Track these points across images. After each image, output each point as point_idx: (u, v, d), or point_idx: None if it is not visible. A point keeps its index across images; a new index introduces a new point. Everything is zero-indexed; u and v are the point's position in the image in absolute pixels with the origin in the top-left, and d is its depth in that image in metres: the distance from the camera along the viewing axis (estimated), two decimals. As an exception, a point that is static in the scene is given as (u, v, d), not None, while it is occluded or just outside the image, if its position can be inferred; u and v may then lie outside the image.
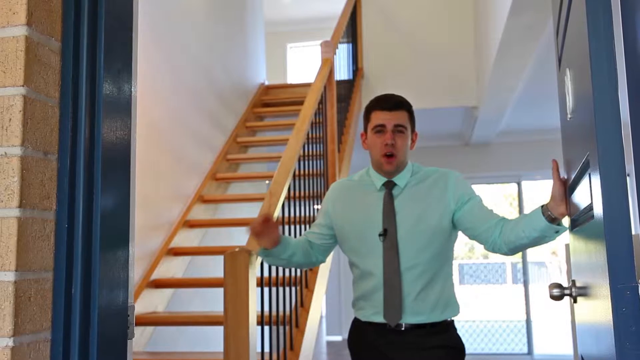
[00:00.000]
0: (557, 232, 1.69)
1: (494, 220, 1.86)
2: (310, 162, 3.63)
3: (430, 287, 1.91)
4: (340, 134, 4.65)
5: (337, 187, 2.12)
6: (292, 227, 3.17)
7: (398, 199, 1.96)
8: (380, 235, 1.92)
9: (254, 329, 2.19)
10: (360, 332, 2.01)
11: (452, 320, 1.99)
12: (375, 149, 1.98)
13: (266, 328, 2.71)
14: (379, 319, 1.93)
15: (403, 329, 1.91)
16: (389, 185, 1.99)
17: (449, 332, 1.95)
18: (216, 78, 4.98)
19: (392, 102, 1.98)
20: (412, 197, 1.97)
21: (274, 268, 2.84)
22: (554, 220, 1.66)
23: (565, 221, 1.67)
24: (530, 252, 7.32)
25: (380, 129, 1.96)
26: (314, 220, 2.19)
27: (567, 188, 1.57)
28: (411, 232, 1.91)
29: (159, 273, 3.68)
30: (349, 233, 2.00)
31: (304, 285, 3.37)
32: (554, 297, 1.38)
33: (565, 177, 1.59)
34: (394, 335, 1.92)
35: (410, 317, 1.90)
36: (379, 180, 2.00)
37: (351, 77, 5.56)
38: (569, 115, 1.36)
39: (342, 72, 5.09)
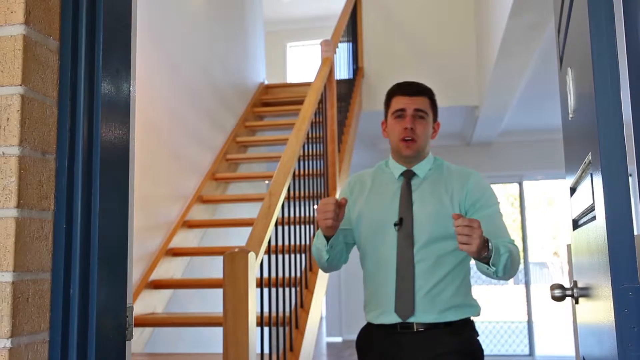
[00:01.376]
0: (489, 269, 1.69)
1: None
2: (310, 162, 3.62)
3: (444, 285, 1.82)
4: (341, 133, 4.64)
5: (354, 179, 2.03)
6: (292, 227, 3.16)
7: (416, 189, 1.90)
8: (395, 224, 1.85)
9: (254, 330, 2.18)
10: (369, 337, 1.91)
11: (471, 320, 1.88)
12: (394, 134, 1.92)
13: (266, 329, 2.70)
14: (389, 319, 1.83)
15: (415, 330, 1.80)
16: (408, 175, 1.93)
17: (464, 334, 1.84)
18: (215, 77, 4.98)
19: (414, 88, 1.94)
20: (430, 189, 1.90)
21: (273, 269, 2.83)
22: (483, 259, 1.67)
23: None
24: (531, 252, 7.31)
25: (400, 113, 1.91)
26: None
27: (473, 228, 1.58)
28: (427, 224, 1.84)
29: (158, 274, 3.68)
30: (364, 222, 1.92)
31: (304, 286, 3.36)
32: (556, 298, 1.37)
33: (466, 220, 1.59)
34: (405, 338, 1.81)
35: (421, 315, 1.80)
36: (398, 169, 1.95)
37: (351, 76, 5.56)
38: (570, 115, 1.36)
39: (342, 71, 5.08)
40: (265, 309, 2.68)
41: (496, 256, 1.69)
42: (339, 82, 4.71)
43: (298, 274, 3.31)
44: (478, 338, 1.90)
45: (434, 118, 1.96)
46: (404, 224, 1.84)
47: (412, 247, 1.83)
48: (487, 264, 1.69)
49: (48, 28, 1.06)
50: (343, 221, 1.91)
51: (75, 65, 1.08)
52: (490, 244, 1.67)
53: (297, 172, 3.27)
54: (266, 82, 6.46)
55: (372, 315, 1.89)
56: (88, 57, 1.09)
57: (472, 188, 1.88)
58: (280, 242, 2.94)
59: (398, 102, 1.92)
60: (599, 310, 1.05)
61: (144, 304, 3.48)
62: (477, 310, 1.89)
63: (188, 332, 3.89)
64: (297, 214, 3.27)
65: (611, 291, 0.92)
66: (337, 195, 2.04)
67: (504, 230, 1.85)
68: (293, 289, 3.11)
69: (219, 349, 3.53)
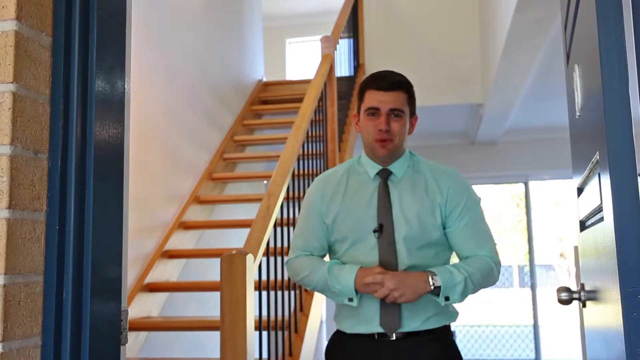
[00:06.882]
0: (442, 302, 1.69)
1: (469, 254, 1.77)
2: (310, 162, 3.61)
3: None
4: (341, 132, 4.63)
5: (321, 184, 1.87)
6: (291, 229, 3.14)
7: (394, 190, 1.78)
8: (375, 231, 1.73)
9: (252, 335, 2.16)
10: (342, 347, 1.78)
11: (449, 326, 1.80)
12: (367, 133, 1.78)
13: (264, 333, 2.68)
14: (367, 329, 1.72)
15: (394, 338, 1.70)
16: (384, 174, 1.80)
17: (445, 340, 1.76)
18: (212, 74, 4.95)
19: (389, 82, 1.77)
20: (410, 189, 1.78)
21: (272, 271, 2.81)
22: (432, 293, 1.67)
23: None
24: (537, 254, 7.26)
25: (373, 111, 1.77)
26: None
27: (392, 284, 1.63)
28: (409, 229, 1.72)
29: (153, 276, 3.65)
30: (341, 228, 1.78)
31: (303, 289, 3.34)
32: (563, 302, 1.37)
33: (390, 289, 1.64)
34: (384, 346, 1.71)
35: (406, 324, 1.71)
36: (373, 168, 1.81)
37: (352, 73, 5.54)
38: (577, 113, 1.35)
39: (343, 68, 5.06)
40: (264, 313, 2.66)
41: (449, 289, 1.66)
42: (340, 79, 4.70)
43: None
44: (457, 346, 1.84)
45: (411, 113, 1.82)
46: (384, 230, 1.73)
47: (396, 255, 1.72)
48: (438, 295, 1.66)
49: (40, 24, 1.05)
50: (320, 236, 1.85)
51: (68, 62, 1.07)
52: (433, 280, 1.65)
53: (296, 172, 3.25)
54: (265, 79, 6.44)
55: (348, 324, 1.78)
56: (81, 54, 1.08)
57: (453, 193, 1.77)
58: (279, 244, 2.92)
59: (371, 99, 1.77)
60: (607, 314, 1.04)
61: (139, 307, 3.45)
62: (456, 316, 1.82)
63: (184, 337, 3.87)
64: (297, 215, 3.25)
65: (619, 294, 0.91)
66: (304, 202, 1.91)
67: (484, 237, 1.78)
68: (292, 292, 3.09)
69: (216, 353, 3.50)
